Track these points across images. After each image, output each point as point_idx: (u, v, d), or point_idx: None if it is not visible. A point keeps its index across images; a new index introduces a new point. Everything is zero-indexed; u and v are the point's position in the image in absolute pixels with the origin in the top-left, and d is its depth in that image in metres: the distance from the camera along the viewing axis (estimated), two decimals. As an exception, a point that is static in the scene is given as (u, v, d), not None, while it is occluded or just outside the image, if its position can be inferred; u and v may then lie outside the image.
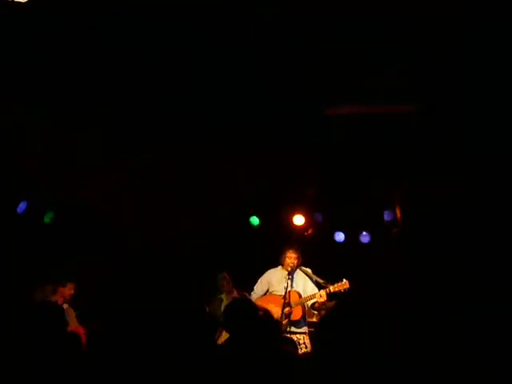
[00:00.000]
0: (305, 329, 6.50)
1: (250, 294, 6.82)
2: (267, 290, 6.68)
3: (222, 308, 7.49)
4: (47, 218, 7.60)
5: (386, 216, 7.89)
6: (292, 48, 5.53)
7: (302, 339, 6.39)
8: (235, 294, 7.54)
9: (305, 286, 6.54)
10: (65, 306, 6.12)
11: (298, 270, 6.62)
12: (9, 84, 5.85)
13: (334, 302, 7.21)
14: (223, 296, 7.61)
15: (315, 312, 6.81)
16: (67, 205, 7.58)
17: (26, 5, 4.89)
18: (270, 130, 6.71)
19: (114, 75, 5.90)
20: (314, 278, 6.58)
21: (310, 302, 6.48)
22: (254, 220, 8.29)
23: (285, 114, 6.53)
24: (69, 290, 6.43)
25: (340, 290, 6.29)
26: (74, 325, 5.88)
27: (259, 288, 6.75)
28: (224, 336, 7.21)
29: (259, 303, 6.38)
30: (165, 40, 5.46)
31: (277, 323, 4.52)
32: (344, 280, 6.31)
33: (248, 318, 3.84)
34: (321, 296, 6.31)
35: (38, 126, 6.47)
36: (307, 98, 6.27)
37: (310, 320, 6.83)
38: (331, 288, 6.33)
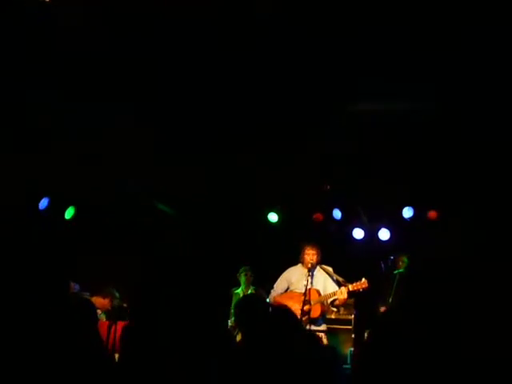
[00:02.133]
0: (323, 326, 6.50)
1: (269, 292, 6.83)
2: (287, 288, 6.68)
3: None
4: (68, 215, 7.66)
5: (405, 213, 7.91)
6: (292, 48, 5.50)
7: (321, 338, 6.40)
8: (251, 289, 7.60)
9: (325, 283, 6.51)
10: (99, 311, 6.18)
11: (318, 267, 6.58)
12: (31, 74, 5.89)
13: (352, 299, 7.29)
14: (240, 291, 7.66)
15: (334, 309, 6.81)
16: (89, 201, 7.64)
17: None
18: (287, 129, 6.71)
19: (112, 74, 5.91)
20: (335, 276, 6.55)
21: (330, 300, 6.46)
22: (272, 217, 8.30)
23: (300, 112, 6.52)
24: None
25: (359, 289, 6.31)
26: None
27: (279, 286, 6.71)
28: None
29: (279, 300, 6.41)
30: (166, 41, 5.48)
31: (297, 320, 4.46)
32: (363, 279, 6.32)
33: (258, 315, 3.77)
34: (341, 293, 6.30)
35: (60, 121, 6.51)
36: (319, 94, 6.24)
37: (329, 317, 6.87)
38: (350, 287, 6.32)
